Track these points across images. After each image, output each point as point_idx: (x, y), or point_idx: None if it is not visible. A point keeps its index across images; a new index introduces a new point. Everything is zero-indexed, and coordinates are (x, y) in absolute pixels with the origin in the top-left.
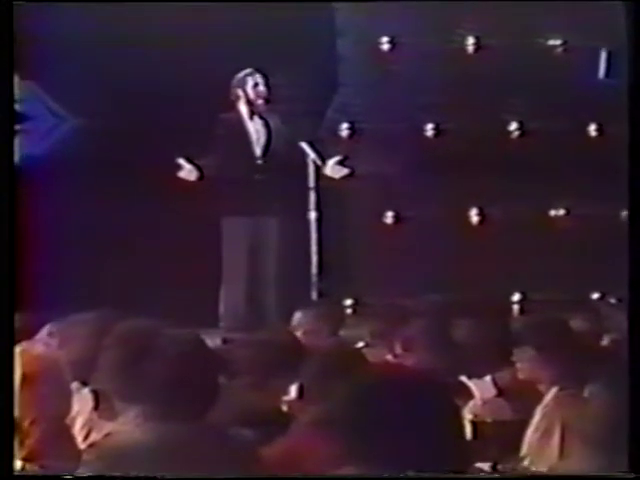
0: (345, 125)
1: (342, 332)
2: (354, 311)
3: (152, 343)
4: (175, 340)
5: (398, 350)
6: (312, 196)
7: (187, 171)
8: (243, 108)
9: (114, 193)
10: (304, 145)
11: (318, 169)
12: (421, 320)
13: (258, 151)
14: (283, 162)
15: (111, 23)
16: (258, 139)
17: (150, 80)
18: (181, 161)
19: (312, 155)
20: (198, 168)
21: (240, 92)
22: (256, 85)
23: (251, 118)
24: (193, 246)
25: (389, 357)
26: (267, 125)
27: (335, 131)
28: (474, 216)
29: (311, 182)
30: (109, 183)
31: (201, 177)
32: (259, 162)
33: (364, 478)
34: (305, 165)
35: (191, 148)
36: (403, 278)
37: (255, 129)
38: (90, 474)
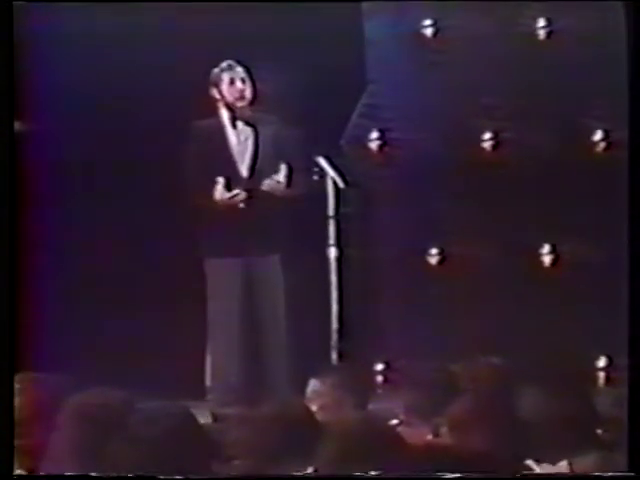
0: (375, 134)
1: (370, 405)
2: (385, 378)
3: (120, 420)
4: (154, 416)
5: (443, 428)
6: (332, 228)
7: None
8: (224, 113)
9: (67, 223)
10: (321, 160)
11: (339, 192)
12: (474, 390)
13: (244, 170)
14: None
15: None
16: (242, 153)
17: (119, 79)
18: None
19: (331, 173)
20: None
21: (216, 93)
22: (232, 82)
23: (234, 125)
24: (168, 294)
25: (430, 437)
26: (256, 134)
27: (361, 142)
28: (545, 255)
29: (330, 209)
30: (59, 210)
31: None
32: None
33: (364, 478)
34: (322, 186)
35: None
36: (450, 335)
37: (238, 140)
38: (90, 474)
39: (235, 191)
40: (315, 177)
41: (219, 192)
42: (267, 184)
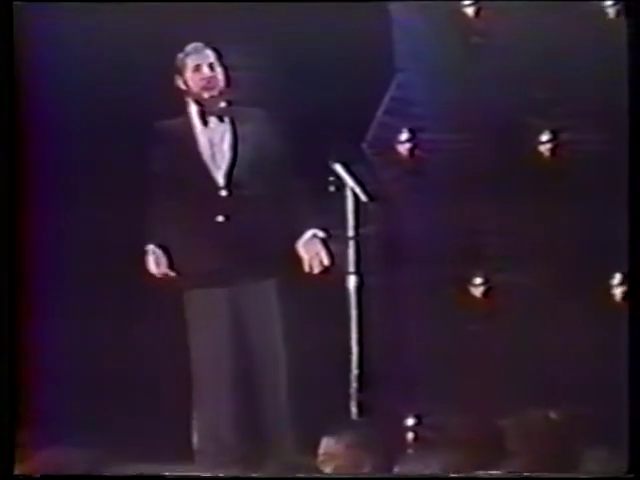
0: (404, 135)
1: (397, 468)
2: (416, 436)
3: None
4: None
5: None
6: (351, 251)
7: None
8: (192, 108)
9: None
10: (338, 167)
11: (359, 207)
12: (527, 449)
13: (220, 177)
14: (278, 190)
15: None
16: (215, 157)
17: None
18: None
19: (350, 183)
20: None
21: (181, 83)
22: (198, 68)
23: (204, 123)
24: (142, 336)
25: None
26: (234, 131)
27: (388, 144)
28: (616, 287)
29: (350, 228)
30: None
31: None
32: (223, 193)
33: (364, 478)
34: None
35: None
36: (497, 384)
37: (210, 141)
38: (90, 474)
39: (168, 271)
40: (331, 188)
41: (151, 266)
42: None
